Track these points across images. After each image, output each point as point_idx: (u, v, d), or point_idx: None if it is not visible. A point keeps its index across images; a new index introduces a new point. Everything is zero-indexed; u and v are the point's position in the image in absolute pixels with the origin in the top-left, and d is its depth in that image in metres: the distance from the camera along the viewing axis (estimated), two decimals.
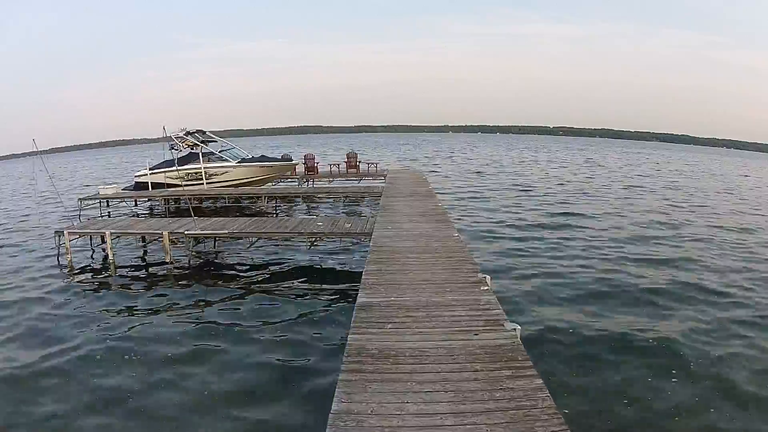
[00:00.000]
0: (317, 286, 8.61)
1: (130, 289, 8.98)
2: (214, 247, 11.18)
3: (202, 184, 17.56)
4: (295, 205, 16.85)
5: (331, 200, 17.00)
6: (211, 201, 16.50)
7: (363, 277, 6.17)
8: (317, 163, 20.38)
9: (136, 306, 7.99)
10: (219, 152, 18.07)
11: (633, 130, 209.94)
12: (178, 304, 7.99)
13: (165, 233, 10.06)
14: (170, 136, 18.08)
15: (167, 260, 10.07)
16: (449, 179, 25.11)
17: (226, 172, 17.66)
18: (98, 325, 7.17)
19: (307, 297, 8.12)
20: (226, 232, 9.86)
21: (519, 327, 4.49)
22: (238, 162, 17.72)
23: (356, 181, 20.44)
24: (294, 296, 8.13)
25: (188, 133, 18.15)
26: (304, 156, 20.13)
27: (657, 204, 18.12)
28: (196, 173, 17.66)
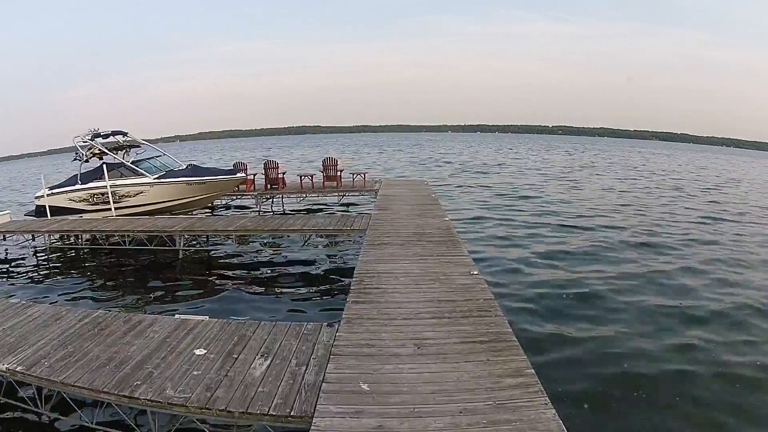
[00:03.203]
0: None
1: None
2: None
3: (110, 209, 11.67)
4: (222, 249, 10.31)
5: (285, 241, 10.62)
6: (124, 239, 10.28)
7: None
8: (283, 173, 14.38)
9: None
10: (132, 163, 12.10)
11: (632, 129, 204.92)
12: None
13: None
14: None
15: None
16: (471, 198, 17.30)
17: (141, 192, 11.71)
18: None
19: None
20: None
21: None
22: (157, 177, 11.74)
23: (336, 199, 14.47)
24: None
25: (98, 136, 12.27)
26: (264, 164, 14.13)
27: None
28: (103, 194, 11.76)
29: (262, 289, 7.71)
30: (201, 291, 7.80)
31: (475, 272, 5.65)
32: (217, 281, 8.25)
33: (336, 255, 9.71)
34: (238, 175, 11.97)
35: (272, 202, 14.82)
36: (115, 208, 11.69)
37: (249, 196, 14.18)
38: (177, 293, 7.74)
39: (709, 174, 30.40)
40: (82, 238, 10.83)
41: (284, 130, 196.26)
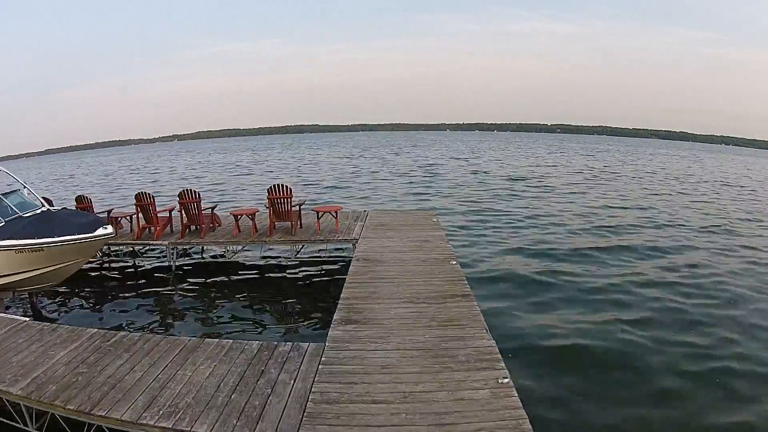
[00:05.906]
0: None
1: None
2: None
3: None
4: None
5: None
6: None
7: None
8: (212, 208, 9.15)
9: None
10: None
11: (631, 128, 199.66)
12: None
13: None
14: None
15: None
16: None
17: None
18: None
19: None
20: None
21: None
22: None
23: (290, 251, 9.12)
24: None
25: None
26: (179, 195, 8.80)
27: None
28: None
29: None
30: None
31: None
32: None
33: None
34: (100, 232, 6.59)
35: (203, 251, 9.66)
36: None
37: (161, 246, 8.92)
38: None
39: None
40: None
41: (282, 129, 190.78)
